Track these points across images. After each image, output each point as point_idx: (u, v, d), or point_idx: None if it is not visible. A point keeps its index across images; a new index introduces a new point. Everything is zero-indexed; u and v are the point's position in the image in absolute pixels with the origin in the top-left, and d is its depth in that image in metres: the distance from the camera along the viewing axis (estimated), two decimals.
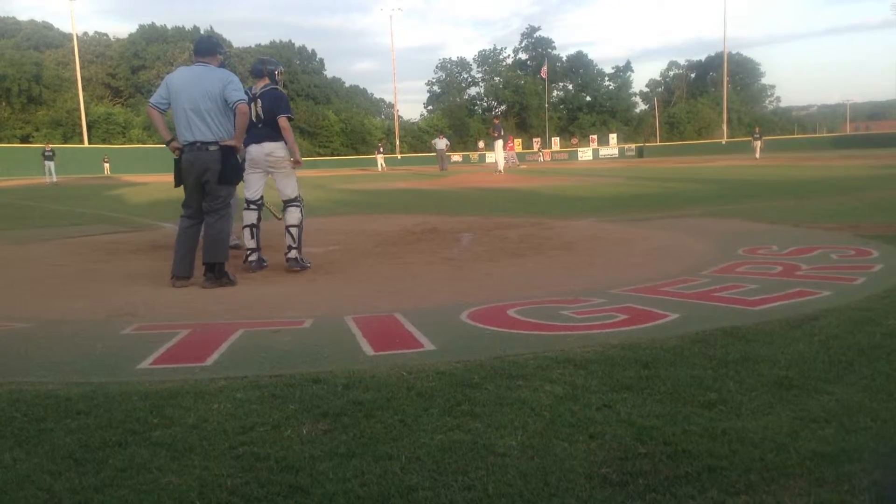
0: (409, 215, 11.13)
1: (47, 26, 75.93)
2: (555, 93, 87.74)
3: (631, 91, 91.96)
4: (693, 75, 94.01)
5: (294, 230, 5.88)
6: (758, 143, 38.59)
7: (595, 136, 68.46)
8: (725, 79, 66.43)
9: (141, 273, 6.02)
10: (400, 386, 2.78)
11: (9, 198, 20.34)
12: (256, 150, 5.92)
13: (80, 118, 53.37)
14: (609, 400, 2.56)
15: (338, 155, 66.78)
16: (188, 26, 77.20)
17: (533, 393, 2.66)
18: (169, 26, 77.47)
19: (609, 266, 5.85)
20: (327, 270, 5.95)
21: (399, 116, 75.56)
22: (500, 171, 26.73)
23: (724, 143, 59.52)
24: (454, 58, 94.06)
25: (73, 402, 2.67)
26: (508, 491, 1.91)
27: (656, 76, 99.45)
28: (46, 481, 2.03)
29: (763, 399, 2.55)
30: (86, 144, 52.41)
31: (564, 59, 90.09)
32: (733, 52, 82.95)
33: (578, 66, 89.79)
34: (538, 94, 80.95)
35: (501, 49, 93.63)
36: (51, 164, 34.22)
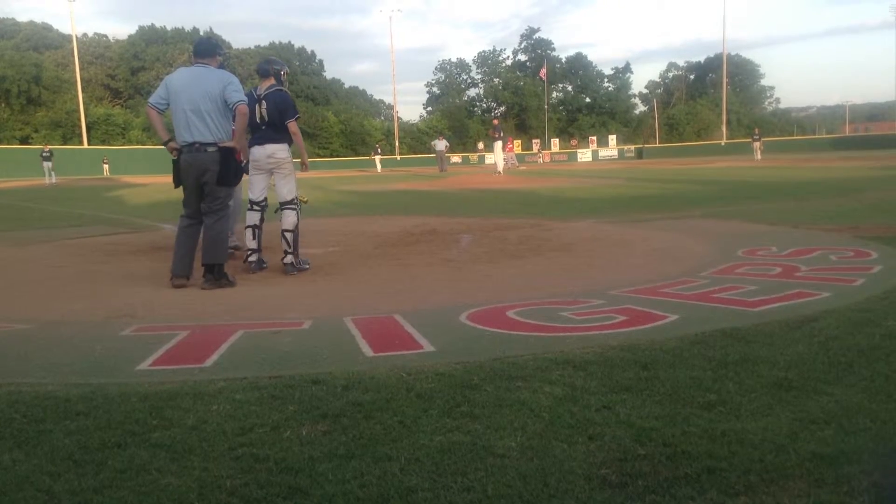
0: (409, 216, 11.13)
1: (47, 27, 75.92)
2: (554, 94, 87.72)
3: (630, 92, 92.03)
4: (692, 77, 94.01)
5: (289, 235, 5.86)
6: (757, 145, 38.56)
7: (594, 138, 68.52)
8: (725, 80, 66.46)
9: (140, 274, 6.02)
10: (399, 387, 2.78)
11: (8, 199, 20.34)
12: (259, 152, 5.91)
13: (79, 119, 53.36)
14: (608, 401, 2.56)
15: (337, 156, 66.76)
16: (188, 27, 77.29)
17: (532, 394, 2.66)
18: (168, 27, 77.55)
19: (608, 267, 5.85)
20: (327, 272, 5.95)
21: (398, 118, 75.66)
22: (499, 173, 26.75)
23: (723, 144, 59.56)
24: (453, 59, 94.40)
25: (73, 404, 2.67)
26: (508, 492, 1.91)
27: (655, 77, 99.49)
28: (46, 482, 2.03)
29: (762, 400, 2.55)
30: (85, 146, 52.40)
31: (564, 60, 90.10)
32: (732, 53, 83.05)
33: (578, 68, 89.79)
34: (537, 95, 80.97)
35: (501, 50, 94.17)
36: (49, 165, 34.23)
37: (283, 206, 5.96)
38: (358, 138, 70.67)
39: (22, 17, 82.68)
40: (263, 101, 5.85)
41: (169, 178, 5.47)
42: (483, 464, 2.09)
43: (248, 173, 6.08)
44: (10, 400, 2.74)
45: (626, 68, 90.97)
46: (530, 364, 3.04)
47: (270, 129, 5.87)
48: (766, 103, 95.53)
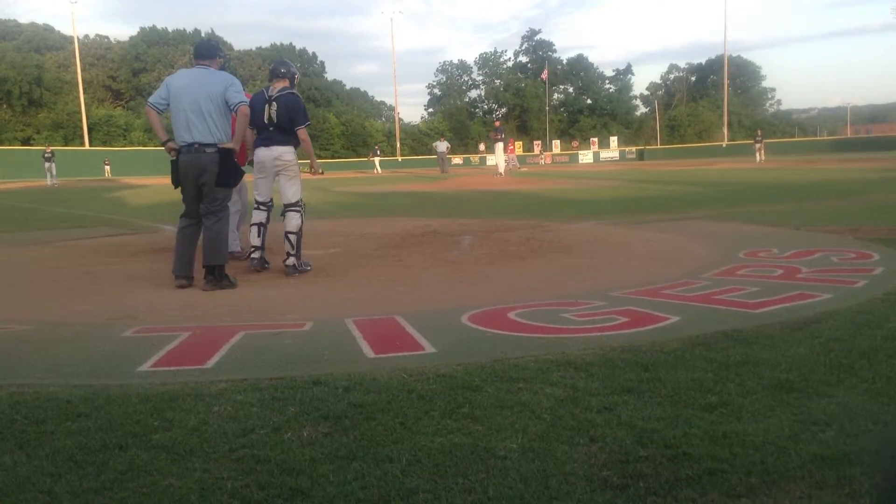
0: (410, 218, 11.14)
1: (48, 29, 76.05)
2: (555, 95, 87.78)
3: (631, 94, 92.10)
4: (693, 78, 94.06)
5: (293, 237, 5.86)
6: (759, 147, 38.44)
7: (596, 139, 68.54)
8: (726, 82, 66.45)
9: (141, 275, 6.02)
10: (400, 388, 2.78)
11: (10, 200, 20.36)
12: (265, 154, 5.90)
13: (80, 121, 53.39)
14: (610, 403, 2.56)
15: (338, 157, 66.79)
16: (189, 29, 77.39)
17: (533, 396, 2.66)
18: (170, 29, 77.63)
19: (609, 269, 5.85)
20: (328, 273, 5.95)
21: (400, 119, 75.68)
22: (500, 174, 26.77)
23: (724, 146, 59.51)
24: (455, 60, 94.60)
25: (74, 405, 2.67)
26: (509, 494, 1.91)
27: (657, 79, 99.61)
28: (47, 483, 2.03)
29: (764, 402, 2.55)
30: (87, 147, 52.44)
31: (565, 61, 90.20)
32: (734, 55, 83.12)
33: (579, 69, 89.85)
34: (539, 96, 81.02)
35: (502, 52, 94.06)
36: (51, 166, 34.27)
37: (288, 207, 5.95)
38: (359, 140, 70.69)
39: (23, 19, 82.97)
40: (274, 103, 5.83)
41: (169, 180, 5.47)
42: (484, 465, 2.09)
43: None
44: (12, 401, 2.74)
45: (628, 70, 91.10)
46: (531, 365, 3.04)
47: (277, 131, 5.86)
48: (768, 105, 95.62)
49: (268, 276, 5.88)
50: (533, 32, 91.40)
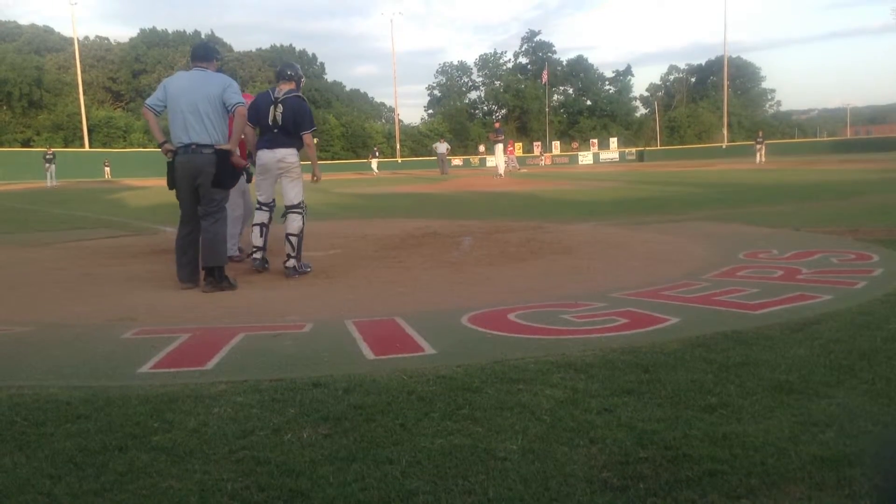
0: (410, 219, 11.14)
1: (48, 30, 76.16)
2: (555, 97, 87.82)
3: (631, 95, 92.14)
4: (693, 79, 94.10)
5: (294, 239, 5.85)
6: (760, 148, 38.41)
7: (596, 140, 68.56)
8: (726, 83, 66.49)
9: (141, 277, 6.02)
10: (400, 390, 2.78)
11: (10, 201, 20.36)
12: (268, 156, 5.90)
13: (80, 122, 53.41)
14: (610, 404, 2.56)
15: (338, 159, 66.82)
16: (189, 30, 77.54)
17: (533, 397, 2.66)
18: (170, 30, 77.79)
19: (609, 270, 5.85)
20: (328, 274, 5.95)
21: (399, 120, 75.73)
22: (500, 175, 26.78)
23: (724, 147, 59.53)
24: (455, 62, 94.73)
25: (74, 406, 2.67)
26: (509, 495, 1.91)
27: (657, 80, 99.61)
28: (46, 485, 2.03)
29: (764, 403, 2.55)
30: (87, 148, 52.45)
31: (565, 63, 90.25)
32: (733, 56, 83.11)
33: (579, 71, 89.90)
34: (539, 98, 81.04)
35: (502, 53, 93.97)
36: (51, 168, 34.28)
37: (289, 209, 5.95)
38: (359, 141, 70.73)
39: (23, 20, 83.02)
40: (280, 105, 5.83)
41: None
42: (484, 467, 2.09)
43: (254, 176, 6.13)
44: (11, 402, 2.74)
45: (627, 71, 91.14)
46: (531, 367, 3.04)
47: (282, 133, 5.86)
48: (767, 106, 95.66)
49: (268, 278, 5.88)
50: (532, 34, 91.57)
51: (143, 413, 2.59)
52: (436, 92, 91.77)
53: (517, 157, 45.81)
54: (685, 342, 3.38)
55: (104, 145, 56.75)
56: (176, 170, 5.29)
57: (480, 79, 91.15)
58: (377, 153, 49.45)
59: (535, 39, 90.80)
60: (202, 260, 5.29)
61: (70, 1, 50.99)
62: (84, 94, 54.68)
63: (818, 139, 73.09)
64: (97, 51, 75.47)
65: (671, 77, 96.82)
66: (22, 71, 59.42)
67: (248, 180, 6.81)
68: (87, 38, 75.80)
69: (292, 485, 1.99)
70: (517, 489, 1.94)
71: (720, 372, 2.91)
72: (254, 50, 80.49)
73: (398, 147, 68.38)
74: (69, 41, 62.71)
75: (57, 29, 77.45)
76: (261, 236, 6.06)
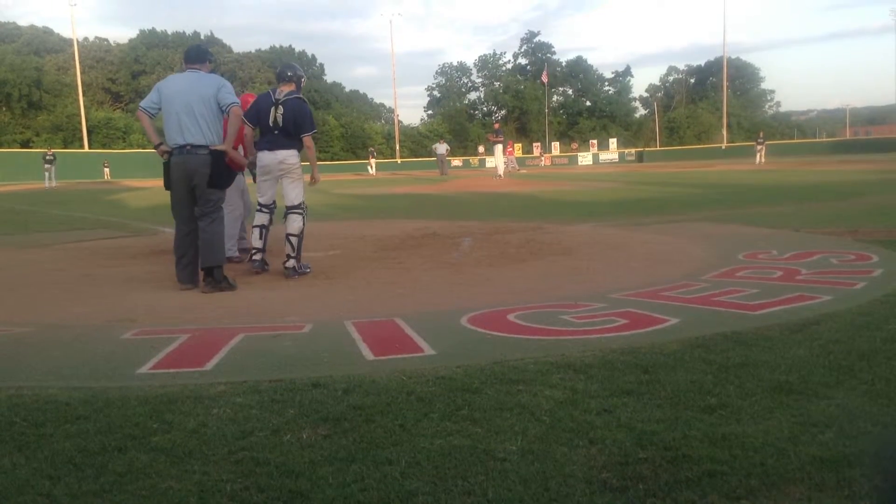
0: (410, 220, 11.14)
1: (48, 31, 76.13)
2: (555, 98, 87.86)
3: (631, 96, 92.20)
4: (693, 80, 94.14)
5: (294, 239, 5.85)
6: (760, 149, 38.39)
7: (595, 141, 68.59)
8: (725, 83, 66.45)
9: (141, 278, 6.02)
10: (400, 391, 2.78)
11: (9, 202, 20.35)
12: (269, 158, 5.90)
13: (80, 123, 53.40)
14: (609, 405, 2.56)
15: (338, 159, 66.82)
16: (188, 31, 77.50)
17: (533, 398, 2.66)
18: (169, 31, 77.77)
19: (609, 271, 5.85)
20: (328, 275, 5.95)
21: (399, 121, 75.72)
22: (499, 176, 26.81)
23: (723, 147, 59.53)
24: (454, 63, 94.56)
25: (73, 407, 2.67)
26: (508, 496, 1.91)
27: (656, 81, 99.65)
28: (46, 486, 2.03)
29: (763, 404, 2.55)
30: (86, 149, 52.44)
31: (564, 64, 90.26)
32: (733, 56, 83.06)
33: (578, 71, 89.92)
34: (538, 98, 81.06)
35: (501, 54, 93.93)
36: (51, 169, 34.26)
37: (290, 210, 5.95)
38: (358, 142, 70.74)
39: (23, 21, 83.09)
40: (281, 106, 5.83)
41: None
42: (483, 467, 2.08)
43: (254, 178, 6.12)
44: (11, 403, 2.74)
45: (627, 72, 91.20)
46: (531, 367, 3.04)
47: (283, 135, 5.86)
48: (767, 107, 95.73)
49: (267, 279, 5.88)
50: (532, 34, 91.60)
51: (142, 414, 2.59)
52: (435, 93, 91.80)
53: (516, 158, 45.81)
54: (685, 343, 3.38)
55: (103, 146, 56.71)
56: (172, 171, 5.31)
57: (480, 80, 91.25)
58: (374, 154, 49.42)
59: (534, 40, 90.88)
60: (201, 260, 5.29)
61: (69, 2, 51.07)
62: (83, 95, 54.66)
63: (817, 140, 73.10)
64: (96, 52, 75.44)
65: (670, 78, 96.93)
66: (21, 72, 59.40)
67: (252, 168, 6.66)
68: (86, 39, 75.89)
69: (292, 485, 1.99)
70: (517, 490, 1.94)
71: (720, 372, 2.91)
72: (253, 51, 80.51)
73: (398, 148, 68.39)
74: (68, 42, 62.71)
75: (56, 30, 77.48)
76: (260, 238, 6.07)
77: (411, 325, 3.91)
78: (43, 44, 72.62)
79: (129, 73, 73.47)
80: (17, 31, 73.45)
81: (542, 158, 62.01)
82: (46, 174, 34.10)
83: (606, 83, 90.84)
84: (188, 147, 5.22)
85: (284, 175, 5.95)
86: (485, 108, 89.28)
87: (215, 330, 4.01)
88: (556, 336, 3.64)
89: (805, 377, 2.82)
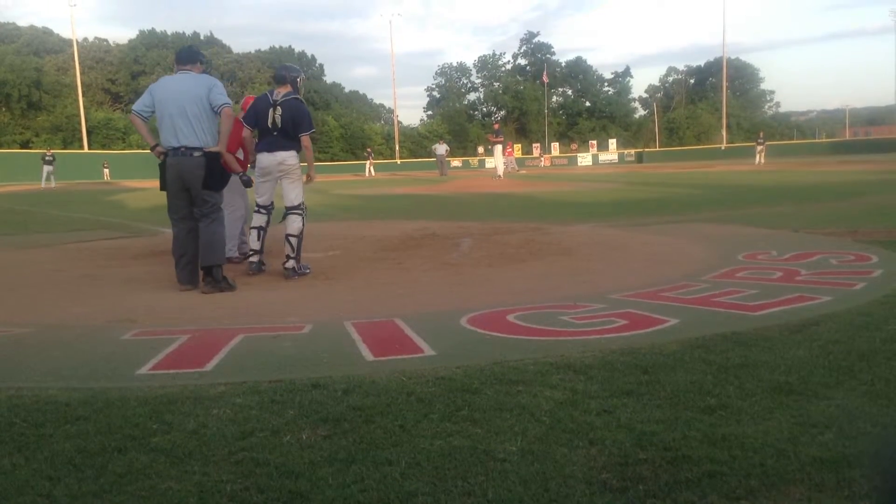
0: (409, 221, 11.14)
1: (47, 32, 76.14)
2: (554, 98, 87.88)
3: (630, 96, 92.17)
4: (692, 81, 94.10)
5: (294, 240, 5.86)
6: (761, 149, 38.38)
7: (594, 142, 68.62)
8: (724, 84, 66.43)
9: (140, 278, 6.02)
10: (400, 391, 2.78)
11: (9, 203, 20.34)
12: (269, 159, 5.91)
13: (79, 124, 53.38)
14: (609, 405, 2.56)
15: (337, 160, 66.83)
16: (188, 32, 77.56)
17: (533, 398, 2.66)
18: (169, 32, 77.76)
19: (608, 271, 5.85)
20: (327, 276, 5.95)
21: (399, 122, 75.73)
22: (499, 177, 26.81)
23: (723, 148, 59.51)
24: (454, 63, 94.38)
25: (73, 408, 2.67)
26: (508, 496, 1.91)
27: (655, 82, 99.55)
28: (46, 487, 2.03)
29: (763, 404, 2.55)
30: (86, 150, 52.42)
31: (563, 64, 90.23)
32: (732, 57, 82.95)
33: (578, 72, 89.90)
34: (538, 99, 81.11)
35: (501, 54, 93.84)
36: (49, 169, 34.25)
37: (289, 210, 5.95)
38: (358, 143, 70.72)
39: (22, 22, 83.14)
40: (279, 108, 5.84)
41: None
42: (483, 468, 2.08)
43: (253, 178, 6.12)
44: (11, 404, 2.74)
45: (626, 72, 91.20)
46: (531, 368, 3.04)
47: (281, 136, 5.87)
48: (766, 107, 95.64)
49: (267, 279, 5.88)
50: (531, 35, 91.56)
51: (142, 414, 2.59)
52: (435, 93, 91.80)
53: (516, 159, 45.84)
54: (684, 343, 3.38)
55: (103, 147, 56.70)
56: (167, 172, 5.32)
57: (479, 80, 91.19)
58: (371, 154, 49.44)
59: (534, 41, 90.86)
60: (200, 259, 5.30)
61: (69, 2, 51.06)
62: (83, 95, 54.66)
63: (817, 140, 72.97)
64: (96, 52, 75.47)
65: (670, 78, 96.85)
66: (21, 72, 59.39)
67: (248, 186, 6.71)
68: (86, 39, 75.93)
69: (291, 486, 1.99)
70: (516, 490, 1.94)
71: (719, 373, 2.91)
72: (253, 51, 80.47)
73: (397, 148, 68.39)
74: (68, 43, 62.72)
75: (56, 30, 77.44)
76: (258, 239, 6.07)
77: (411, 326, 3.91)
78: (43, 44, 72.64)
79: (129, 73, 73.47)
80: (16, 32, 73.45)
81: (542, 159, 62.02)
82: (44, 174, 34.09)
83: (606, 84, 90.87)
84: (182, 149, 5.23)
85: (284, 176, 5.95)
86: (484, 109, 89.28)
87: (215, 330, 4.01)
88: (556, 337, 3.65)
89: (805, 378, 2.82)
